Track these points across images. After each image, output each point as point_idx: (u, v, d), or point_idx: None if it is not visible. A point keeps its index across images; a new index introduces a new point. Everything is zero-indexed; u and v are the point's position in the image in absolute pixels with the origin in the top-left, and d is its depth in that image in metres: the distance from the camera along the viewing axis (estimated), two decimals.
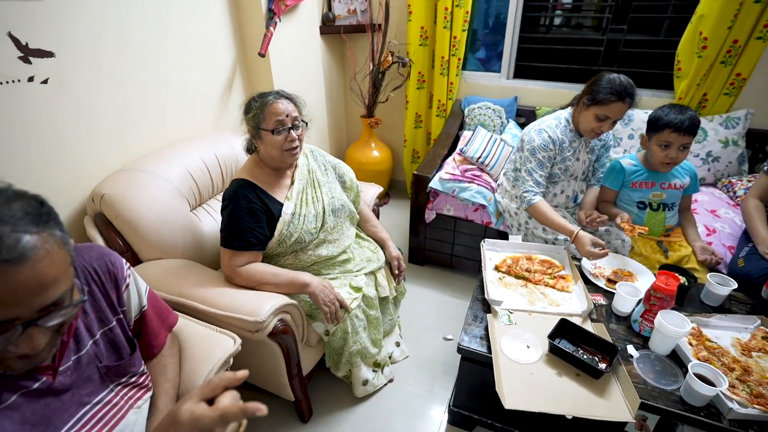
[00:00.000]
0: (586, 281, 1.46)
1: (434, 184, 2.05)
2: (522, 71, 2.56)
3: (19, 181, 1.21)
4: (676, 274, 1.22)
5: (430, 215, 2.14)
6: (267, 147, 1.28)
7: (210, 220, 1.56)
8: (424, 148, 2.87)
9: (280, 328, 1.20)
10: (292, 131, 1.27)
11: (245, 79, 2.10)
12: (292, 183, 1.39)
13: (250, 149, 1.39)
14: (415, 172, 2.08)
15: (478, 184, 2.00)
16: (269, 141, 1.26)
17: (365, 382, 1.53)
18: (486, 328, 1.27)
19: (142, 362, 0.87)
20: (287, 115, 1.26)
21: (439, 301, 2.08)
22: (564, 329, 1.21)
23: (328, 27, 2.49)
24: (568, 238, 1.61)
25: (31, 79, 1.23)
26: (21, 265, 0.52)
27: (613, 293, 1.36)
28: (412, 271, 2.30)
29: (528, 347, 1.18)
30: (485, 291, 1.35)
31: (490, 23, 2.69)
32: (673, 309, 1.18)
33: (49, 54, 1.26)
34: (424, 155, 2.89)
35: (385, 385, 1.62)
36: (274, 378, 1.36)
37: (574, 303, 1.35)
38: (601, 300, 1.38)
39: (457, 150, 2.21)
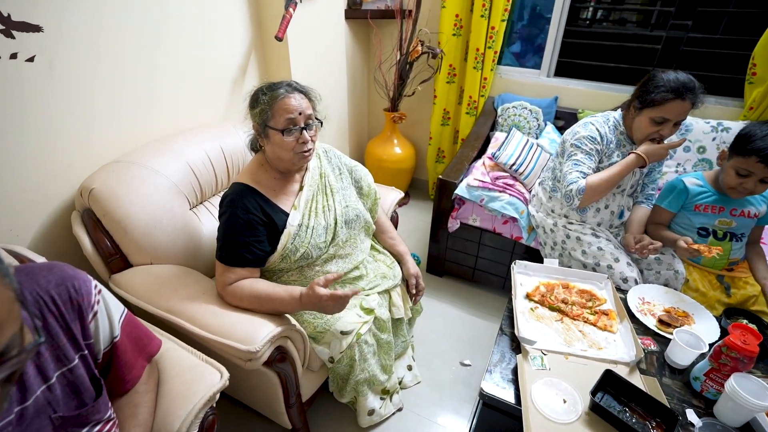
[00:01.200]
0: (633, 319, 1.26)
1: (461, 191, 1.86)
2: (563, 69, 2.31)
3: (3, 167, 1.09)
4: (753, 327, 1.01)
5: (453, 224, 1.95)
6: (275, 148, 1.11)
7: (211, 219, 1.41)
8: (450, 147, 2.66)
9: (277, 357, 1.05)
10: (304, 132, 1.10)
11: (261, 65, 1.93)
12: (301, 189, 1.22)
13: (255, 147, 1.23)
14: (440, 176, 1.89)
15: (510, 195, 1.79)
16: (278, 142, 1.09)
17: (371, 412, 1.38)
18: (514, 371, 1.09)
19: (109, 406, 0.73)
20: (300, 113, 1.08)
21: (457, 319, 1.91)
22: (607, 380, 1.02)
23: (354, 11, 2.30)
24: (611, 264, 1.41)
25: (13, 56, 1.08)
26: None
27: (665, 336, 1.16)
28: (429, 282, 2.13)
29: (564, 401, 1.00)
30: (515, 325, 1.17)
31: (525, 15, 2.44)
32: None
33: (36, 28, 1.11)
34: (450, 155, 2.68)
35: (393, 414, 1.47)
36: (270, 405, 1.22)
37: (619, 347, 1.15)
38: (651, 346, 1.17)
39: (488, 154, 2.01)
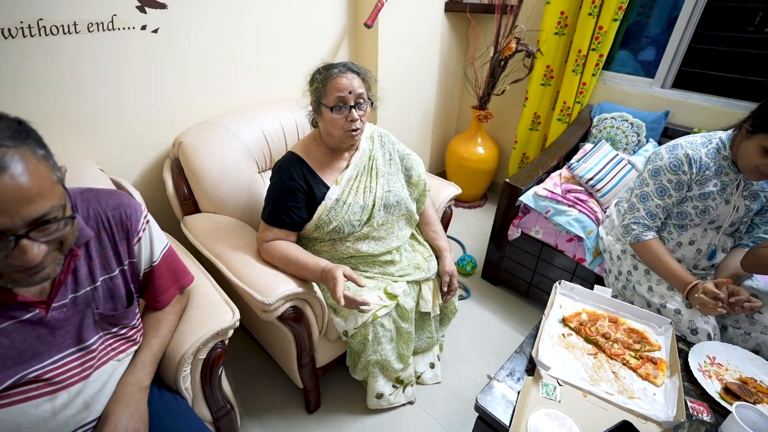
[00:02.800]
0: (691, 379, 1.06)
1: (526, 198, 1.74)
2: (685, 80, 1.97)
3: (123, 116, 1.35)
4: None
5: (514, 232, 1.84)
6: (326, 124, 1.19)
7: None
8: (536, 153, 2.49)
9: (291, 315, 1.13)
10: (354, 110, 1.15)
11: (352, 49, 2.04)
12: (347, 167, 1.28)
13: (314, 123, 1.32)
14: (507, 179, 1.79)
15: (580, 211, 1.62)
16: (328, 118, 1.16)
17: (380, 396, 1.40)
18: (519, 393, 1.01)
19: (137, 316, 0.88)
20: (350, 92, 1.13)
21: (499, 331, 1.81)
22: None
23: (455, 4, 2.26)
24: (681, 309, 1.20)
25: (143, 27, 1.33)
26: (1, 175, 0.53)
27: (729, 411, 0.95)
28: (481, 289, 2.04)
29: None
30: (535, 346, 1.08)
31: (664, 16, 2.10)
32: None
33: (162, 5, 1.35)
34: None
35: (403, 405, 1.47)
36: (285, 361, 1.32)
37: (657, 403, 0.98)
38: (704, 414, 0.98)
39: (567, 164, 1.83)
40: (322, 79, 1.15)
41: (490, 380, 0.96)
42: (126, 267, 0.83)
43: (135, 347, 0.87)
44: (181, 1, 1.38)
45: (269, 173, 1.57)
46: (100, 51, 1.26)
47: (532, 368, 1.06)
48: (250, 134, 1.49)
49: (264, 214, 1.22)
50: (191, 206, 1.41)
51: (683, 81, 1.98)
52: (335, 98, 1.13)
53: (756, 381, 1.06)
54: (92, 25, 1.22)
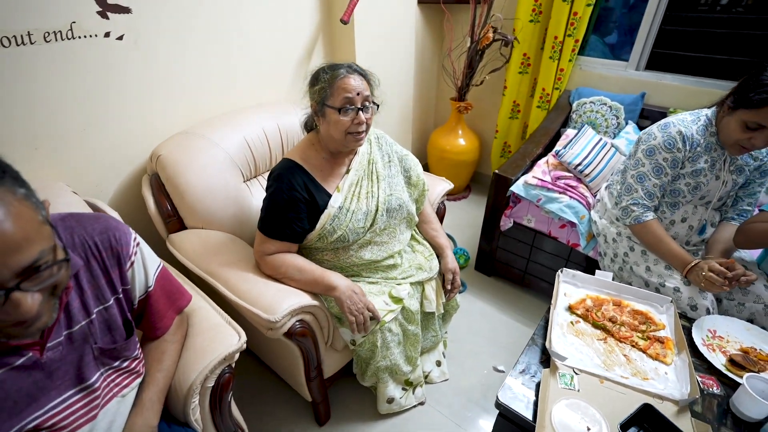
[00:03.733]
0: (696, 354, 1.09)
1: (516, 188, 1.74)
2: (657, 61, 2.03)
3: (92, 131, 1.25)
4: None
5: (506, 223, 1.84)
6: (330, 127, 1.13)
7: (261, 193, 1.47)
8: (517, 142, 2.51)
9: (298, 329, 1.08)
10: (361, 113, 1.11)
11: (327, 47, 1.98)
12: (348, 172, 1.23)
13: (310, 127, 1.26)
14: (496, 170, 1.79)
15: (571, 197, 1.64)
16: (334, 120, 1.11)
17: (391, 400, 1.38)
18: (538, 386, 1.00)
19: (137, 346, 0.81)
20: (358, 93, 1.09)
21: (498, 322, 1.81)
22: (645, 416, 0.90)
23: None
24: (679, 287, 1.23)
25: (107, 34, 1.24)
26: None
27: (736, 382, 0.98)
28: (476, 281, 2.05)
29: (588, 429, 0.90)
30: (548, 337, 1.08)
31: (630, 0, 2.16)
32: None
33: (126, 10, 1.25)
34: (516, 150, 2.52)
35: (414, 407, 1.45)
36: (292, 376, 1.28)
37: (670, 381, 1.00)
38: (713, 388, 1.00)
39: (553, 151, 1.85)
40: (329, 80, 1.09)
41: (497, 372, 0.97)
42: (121, 295, 0.77)
43: (139, 379, 0.81)
44: (147, 5, 1.28)
45: (255, 182, 1.52)
46: (60, 62, 1.16)
47: (546, 360, 1.06)
48: (232, 142, 1.41)
49: (262, 226, 1.16)
50: (176, 223, 1.33)
51: (656, 62, 2.03)
52: (343, 99, 1.08)
53: (756, 350, 1.10)
54: (49, 34, 1.12)
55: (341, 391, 1.48)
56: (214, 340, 0.93)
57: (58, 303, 0.62)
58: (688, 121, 1.25)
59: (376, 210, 1.23)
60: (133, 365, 0.80)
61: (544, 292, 1.89)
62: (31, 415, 0.63)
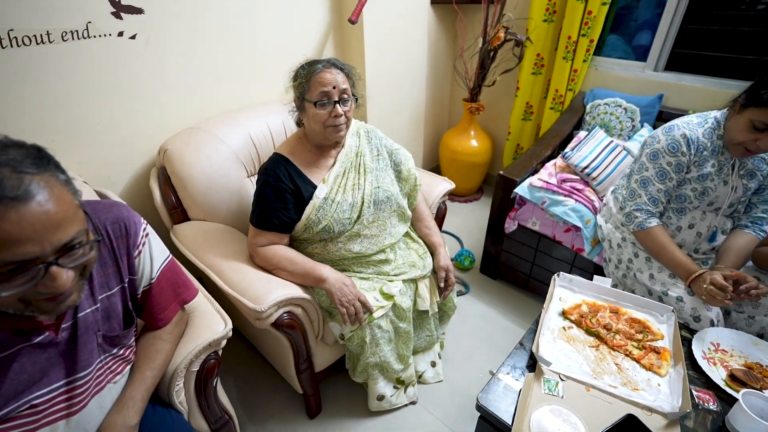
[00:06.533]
0: (695, 367, 1.04)
1: (521, 190, 1.71)
2: (679, 61, 1.94)
3: (104, 125, 1.32)
4: None
5: (510, 225, 1.81)
6: (310, 120, 1.17)
7: None
8: (530, 144, 2.46)
9: (286, 321, 1.11)
10: (338, 105, 1.13)
11: (338, 47, 2.00)
12: (334, 164, 1.25)
13: (299, 122, 1.30)
14: (501, 172, 1.76)
15: (576, 200, 1.59)
16: (312, 114, 1.15)
17: (381, 398, 1.38)
18: (521, 390, 0.99)
19: (133, 336, 0.84)
20: (334, 87, 1.12)
21: (499, 325, 1.78)
22: (628, 427, 0.87)
23: None
24: (683, 297, 1.18)
25: (120, 34, 1.30)
26: (28, 203, 0.53)
27: (735, 399, 0.93)
28: (480, 283, 2.02)
29: None
30: (535, 341, 1.05)
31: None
32: None
33: (139, 11, 1.32)
34: None
35: (405, 406, 1.45)
36: (283, 367, 1.30)
37: (661, 393, 0.96)
38: (710, 403, 0.96)
39: (561, 153, 1.80)
40: (306, 75, 1.13)
41: (491, 377, 0.96)
42: (126, 284, 0.79)
43: (129, 366, 0.83)
44: (159, 6, 1.34)
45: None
46: (76, 60, 1.23)
47: (533, 364, 1.04)
48: (237, 138, 1.46)
49: (253, 219, 1.19)
50: (180, 215, 1.38)
51: (676, 63, 1.95)
52: (319, 93, 1.11)
53: (762, 366, 1.04)
54: (66, 33, 1.19)
55: (334, 386, 1.50)
56: (201, 326, 0.96)
57: (85, 284, 0.66)
58: (694, 124, 1.20)
59: (362, 202, 1.24)
60: (127, 353, 0.82)
61: None
62: (40, 389, 0.67)
